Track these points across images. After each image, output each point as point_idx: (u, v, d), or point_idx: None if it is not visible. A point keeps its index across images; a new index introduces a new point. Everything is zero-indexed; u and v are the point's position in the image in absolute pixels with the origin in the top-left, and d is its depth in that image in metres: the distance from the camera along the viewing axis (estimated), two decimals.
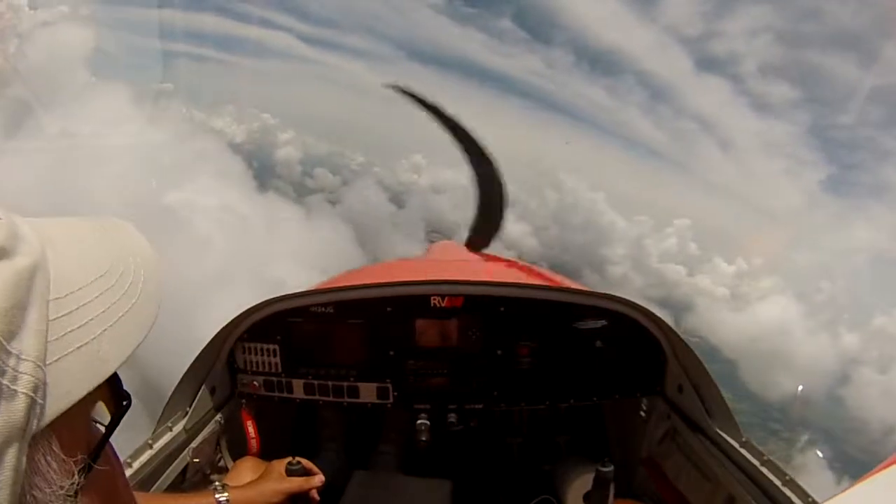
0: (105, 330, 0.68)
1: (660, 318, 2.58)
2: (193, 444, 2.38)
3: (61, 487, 0.65)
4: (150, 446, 2.19)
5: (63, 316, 0.65)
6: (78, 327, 0.66)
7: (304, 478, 2.18)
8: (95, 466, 0.71)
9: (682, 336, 2.53)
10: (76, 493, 0.67)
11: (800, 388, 29.02)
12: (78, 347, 0.65)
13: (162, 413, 2.33)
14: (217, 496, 2.00)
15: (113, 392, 0.76)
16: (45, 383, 0.61)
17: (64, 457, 0.66)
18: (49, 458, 0.65)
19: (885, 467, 1.45)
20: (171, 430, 2.31)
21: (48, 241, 0.69)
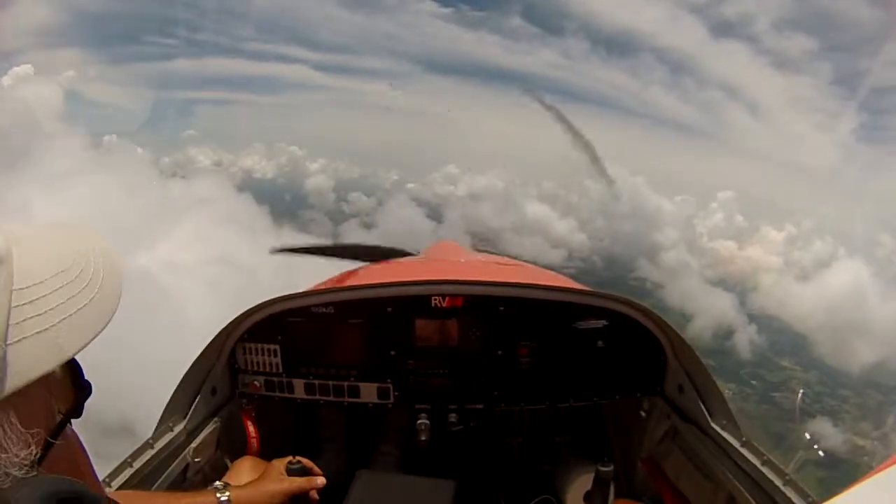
0: (64, 319, 0.76)
1: (660, 318, 2.58)
2: (194, 444, 2.38)
3: (17, 455, 0.74)
4: (152, 446, 2.20)
5: (24, 304, 0.74)
6: (37, 315, 0.74)
7: (305, 478, 2.18)
8: (55, 442, 0.80)
9: (683, 335, 2.53)
10: (33, 464, 0.76)
11: (800, 392, 28.75)
12: (36, 333, 0.73)
13: (163, 413, 2.33)
14: (218, 495, 2.00)
15: (74, 381, 0.87)
16: (4, 360, 0.71)
17: (22, 429, 0.75)
18: (7, 427, 0.74)
19: (885, 467, 1.42)
20: (171, 430, 2.31)
21: (14, 241, 0.78)
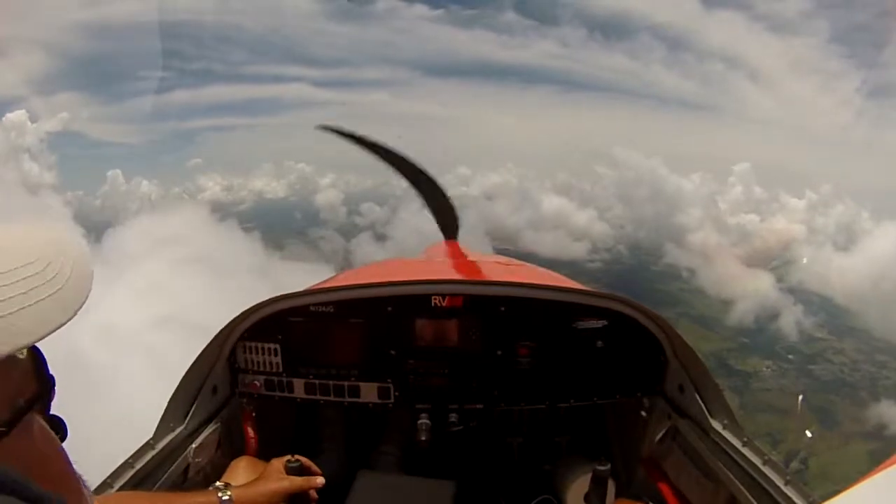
0: (23, 308, 0.80)
1: (660, 318, 2.57)
2: (195, 444, 2.40)
3: None
4: (153, 446, 2.22)
5: None
6: None
7: (305, 478, 2.20)
8: (6, 431, 0.82)
9: (682, 335, 2.52)
10: None
11: (800, 397, 28.11)
12: None
13: (164, 413, 2.35)
14: (219, 495, 2.02)
15: (38, 374, 0.91)
16: None
17: None
18: None
19: (885, 467, 1.43)
20: (172, 430, 2.33)
21: None
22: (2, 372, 0.83)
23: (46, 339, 0.85)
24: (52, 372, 0.95)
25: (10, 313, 0.79)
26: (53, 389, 0.95)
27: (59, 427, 0.98)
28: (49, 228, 0.98)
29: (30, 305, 0.81)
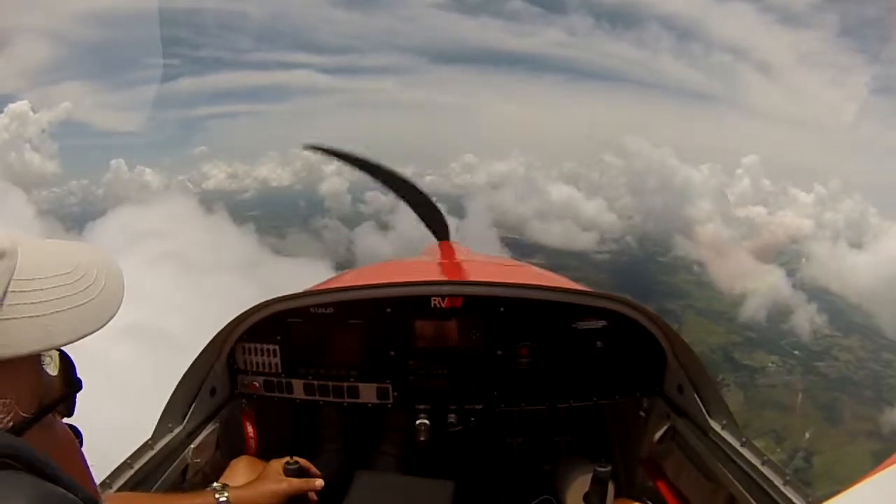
0: (57, 312, 0.86)
1: (659, 318, 2.56)
2: (193, 445, 2.40)
3: None
4: (151, 447, 2.22)
5: (21, 292, 0.84)
6: (32, 303, 0.84)
7: (303, 479, 2.21)
8: (29, 421, 0.86)
9: (682, 336, 2.51)
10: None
11: (800, 397, 28.04)
12: (29, 317, 0.83)
13: (162, 413, 2.35)
14: (217, 496, 2.04)
15: (66, 378, 0.97)
16: None
17: (2, 399, 0.83)
18: None
19: (885, 467, 1.43)
20: (171, 431, 2.33)
21: (23, 244, 0.89)
22: (31, 370, 0.88)
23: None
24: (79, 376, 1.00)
25: (46, 315, 0.85)
26: (79, 391, 1.00)
27: (76, 434, 1.03)
28: (88, 245, 1.05)
29: (64, 311, 0.87)
